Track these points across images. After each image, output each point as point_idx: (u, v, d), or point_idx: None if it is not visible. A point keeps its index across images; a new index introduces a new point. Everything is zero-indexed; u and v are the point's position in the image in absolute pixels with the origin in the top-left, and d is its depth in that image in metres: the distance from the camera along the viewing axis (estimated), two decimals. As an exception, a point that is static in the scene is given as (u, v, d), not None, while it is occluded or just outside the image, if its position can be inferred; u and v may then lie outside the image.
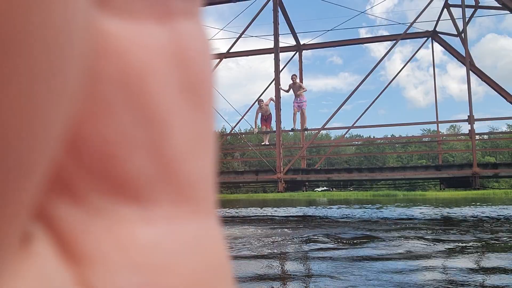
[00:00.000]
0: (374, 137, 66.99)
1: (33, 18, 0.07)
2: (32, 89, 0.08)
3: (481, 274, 4.37)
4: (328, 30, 16.56)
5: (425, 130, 60.99)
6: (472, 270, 4.56)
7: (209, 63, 0.13)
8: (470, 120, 11.21)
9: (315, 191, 57.69)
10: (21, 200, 0.09)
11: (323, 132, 57.99)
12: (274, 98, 13.53)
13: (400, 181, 25.65)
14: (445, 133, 42.67)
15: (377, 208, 19.24)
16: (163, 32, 0.11)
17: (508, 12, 11.65)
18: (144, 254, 0.12)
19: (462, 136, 14.57)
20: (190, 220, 0.13)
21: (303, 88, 14.26)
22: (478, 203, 24.09)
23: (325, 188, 56.98)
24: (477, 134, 12.19)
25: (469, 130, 11.29)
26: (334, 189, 56.34)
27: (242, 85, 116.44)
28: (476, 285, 3.82)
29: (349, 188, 54.60)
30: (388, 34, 18.33)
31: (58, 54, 0.08)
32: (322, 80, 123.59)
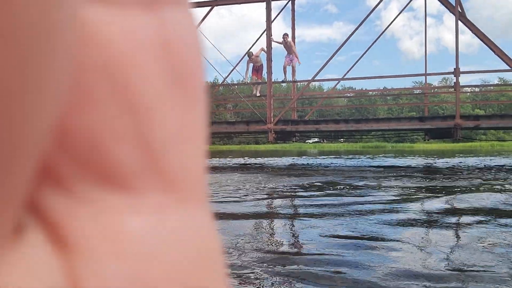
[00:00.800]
0: (366, 89, 67.09)
1: (19, 7, 0.07)
2: (21, 80, 0.07)
3: (455, 215, 4.87)
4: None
5: (416, 83, 61.05)
6: (447, 210, 5.07)
7: (198, 53, 0.12)
8: (456, 73, 11.48)
9: (307, 143, 58.57)
10: (12, 191, 0.09)
11: (316, 83, 57.84)
12: (265, 48, 13.57)
13: (389, 132, 26.20)
14: (435, 86, 42.92)
15: (357, 159, 19.90)
16: (149, 21, 0.10)
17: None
18: (131, 243, 0.11)
19: (451, 89, 14.88)
20: (178, 209, 0.12)
21: (295, 52, 14.18)
22: (462, 155, 24.92)
23: (316, 140, 57.86)
24: (462, 86, 12.50)
25: (454, 82, 11.59)
26: (325, 140, 57.27)
27: (234, 34, 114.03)
28: (449, 223, 4.29)
29: (339, 140, 55.59)
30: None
31: (45, 44, 0.07)
32: (316, 29, 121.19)
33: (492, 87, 29.49)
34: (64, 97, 0.09)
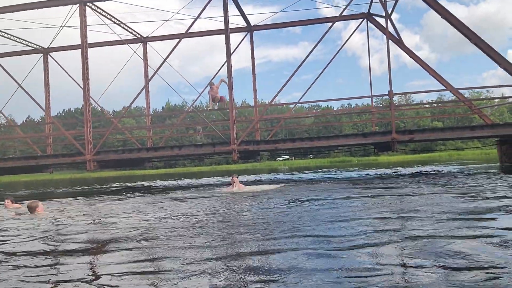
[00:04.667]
0: (331, 106, 69.72)
1: None
2: None
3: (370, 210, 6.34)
4: (277, 12, 18.10)
5: (378, 99, 64.40)
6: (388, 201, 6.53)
7: None
8: (390, 94, 13.32)
9: (277, 160, 60.28)
10: None
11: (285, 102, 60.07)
12: (225, 79, 15.07)
13: (355, 147, 28.06)
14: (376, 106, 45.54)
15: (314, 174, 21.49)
16: None
17: None
18: None
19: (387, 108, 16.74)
20: None
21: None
22: (415, 164, 26.98)
23: (286, 157, 59.66)
24: (397, 106, 14.35)
25: (389, 103, 13.41)
26: (294, 157, 59.09)
27: (200, 57, 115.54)
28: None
29: (309, 156, 57.56)
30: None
31: None
32: (283, 49, 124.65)
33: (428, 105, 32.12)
34: None
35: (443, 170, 16.34)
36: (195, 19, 15.42)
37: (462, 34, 13.08)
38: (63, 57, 20.86)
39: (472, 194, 7.05)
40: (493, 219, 4.68)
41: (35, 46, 19.86)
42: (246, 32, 18.69)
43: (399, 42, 17.24)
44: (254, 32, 18.73)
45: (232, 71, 14.79)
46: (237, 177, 10.74)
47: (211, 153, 16.59)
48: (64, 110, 78.35)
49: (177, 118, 30.13)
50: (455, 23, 13.11)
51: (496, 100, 29.02)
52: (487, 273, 2.69)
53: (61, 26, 16.26)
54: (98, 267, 3.52)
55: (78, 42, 16.57)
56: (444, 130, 14.43)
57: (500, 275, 2.64)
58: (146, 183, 20.70)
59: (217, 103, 15.70)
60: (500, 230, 3.98)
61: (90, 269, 3.46)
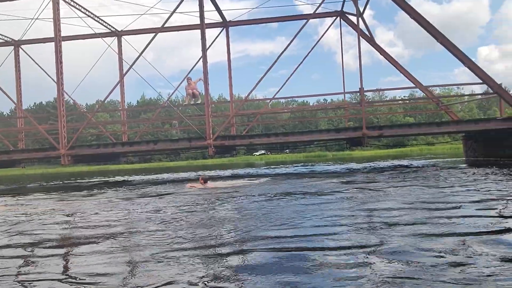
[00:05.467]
0: (308, 102, 70.60)
1: None
2: None
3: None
4: (253, 8, 18.29)
5: (352, 94, 65.25)
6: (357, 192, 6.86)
7: None
8: (361, 91, 13.79)
9: (254, 155, 60.64)
10: None
11: (262, 98, 60.53)
12: (202, 78, 15.22)
13: (330, 142, 28.60)
14: (349, 102, 46.71)
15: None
16: None
17: None
18: None
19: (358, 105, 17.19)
20: None
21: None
22: (387, 159, 27.84)
23: (263, 152, 60.13)
24: (367, 103, 14.85)
25: (360, 99, 13.90)
26: (271, 152, 59.60)
27: (177, 50, 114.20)
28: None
29: (285, 151, 58.19)
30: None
31: None
32: (260, 44, 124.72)
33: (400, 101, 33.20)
34: None
35: (411, 165, 17.02)
36: (171, 14, 15.46)
37: (429, 33, 13.65)
38: (33, 49, 20.42)
39: (434, 186, 7.53)
40: (452, 208, 5.05)
41: (5, 38, 19.41)
42: (222, 28, 18.82)
43: (371, 40, 17.77)
44: (231, 26, 18.88)
45: (209, 65, 14.98)
46: (206, 182, 10.21)
47: (187, 148, 16.73)
48: (35, 103, 76.21)
49: (153, 113, 29.99)
50: (423, 23, 13.65)
51: (466, 97, 30.51)
52: (454, 265, 2.72)
53: (33, 18, 16.01)
54: (50, 266, 3.37)
55: (50, 34, 16.36)
56: (411, 126, 15.07)
57: (463, 265, 2.73)
58: (119, 178, 20.63)
59: (193, 99, 15.83)
60: (458, 218, 4.37)
61: (44, 267, 3.34)
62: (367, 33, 17.60)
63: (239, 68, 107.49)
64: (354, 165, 19.59)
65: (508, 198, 5.69)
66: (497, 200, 5.53)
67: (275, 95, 16.63)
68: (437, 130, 14.64)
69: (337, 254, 3.20)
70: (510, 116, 14.37)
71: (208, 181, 10.33)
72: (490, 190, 6.62)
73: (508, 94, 14.28)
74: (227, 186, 10.08)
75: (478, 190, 6.64)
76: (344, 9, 17.86)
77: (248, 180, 11.93)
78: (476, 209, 4.87)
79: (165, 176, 20.25)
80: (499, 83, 13.72)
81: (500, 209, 4.84)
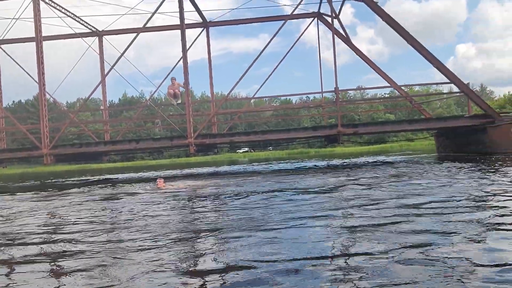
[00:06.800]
0: (290, 100, 71.29)
1: None
2: None
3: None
4: (233, 9, 18.71)
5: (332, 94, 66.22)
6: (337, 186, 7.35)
7: None
8: (336, 91, 14.38)
9: (237, 152, 61.03)
10: None
11: (244, 96, 61.06)
12: (183, 85, 15.57)
13: (313, 139, 29.08)
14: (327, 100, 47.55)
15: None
16: None
17: None
18: None
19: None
20: None
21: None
22: (368, 155, 28.60)
23: (246, 149, 60.54)
24: (341, 101, 15.46)
25: (335, 99, 14.48)
26: (254, 150, 60.08)
27: (158, 48, 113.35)
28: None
29: (268, 148, 58.76)
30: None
31: None
32: (243, 41, 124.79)
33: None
34: None
35: (385, 159, 17.72)
36: (152, 15, 15.77)
37: (400, 35, 14.31)
38: (12, 47, 20.36)
39: (406, 179, 8.11)
40: (422, 202, 5.45)
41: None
42: (203, 28, 19.18)
43: (347, 40, 18.38)
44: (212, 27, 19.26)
45: (192, 63, 15.37)
46: (164, 183, 10.21)
47: (168, 147, 17.07)
48: (14, 102, 74.92)
49: (135, 112, 30.10)
50: (393, 25, 14.31)
51: (436, 96, 31.84)
52: (431, 259, 2.68)
53: (13, 18, 16.10)
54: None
55: (30, 33, 16.47)
56: (384, 124, 15.75)
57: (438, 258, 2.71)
58: (102, 177, 20.77)
59: (174, 99, 16.17)
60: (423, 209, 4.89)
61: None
62: (343, 33, 18.20)
63: (222, 65, 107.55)
64: (316, 162, 20.23)
65: (470, 192, 6.21)
66: (455, 196, 6.02)
67: (256, 93, 17.12)
68: (409, 128, 15.36)
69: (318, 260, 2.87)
70: (476, 114, 15.17)
71: (166, 182, 10.32)
72: (451, 184, 7.14)
73: (474, 93, 15.08)
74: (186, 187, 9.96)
75: (431, 184, 7.20)
76: (322, 10, 18.45)
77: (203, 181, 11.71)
78: (440, 207, 4.87)
79: (133, 175, 20.47)
80: (472, 81, 14.51)
81: (459, 204, 5.22)
